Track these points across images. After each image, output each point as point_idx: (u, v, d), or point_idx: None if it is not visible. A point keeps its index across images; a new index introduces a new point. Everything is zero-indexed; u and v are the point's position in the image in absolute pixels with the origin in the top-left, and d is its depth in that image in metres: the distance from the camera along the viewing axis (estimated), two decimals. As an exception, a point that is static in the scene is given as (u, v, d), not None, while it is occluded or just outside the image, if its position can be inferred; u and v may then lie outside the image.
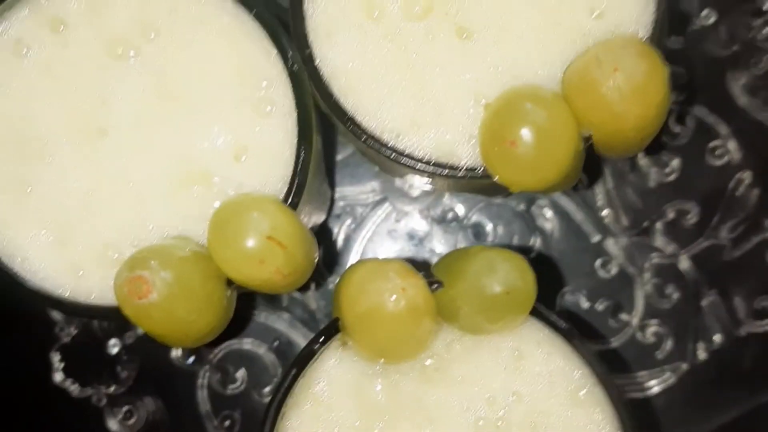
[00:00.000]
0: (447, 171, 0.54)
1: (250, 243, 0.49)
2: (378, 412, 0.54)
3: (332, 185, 0.75)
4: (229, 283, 0.53)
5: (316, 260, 0.54)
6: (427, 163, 0.54)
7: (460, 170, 0.54)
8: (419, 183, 0.61)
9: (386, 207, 0.76)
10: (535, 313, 0.52)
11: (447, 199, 0.76)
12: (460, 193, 0.76)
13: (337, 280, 0.54)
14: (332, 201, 0.76)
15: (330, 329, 0.53)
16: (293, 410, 0.54)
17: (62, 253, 0.55)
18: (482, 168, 0.53)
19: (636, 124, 0.50)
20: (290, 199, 0.54)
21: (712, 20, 0.77)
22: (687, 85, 0.77)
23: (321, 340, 0.53)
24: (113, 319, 0.54)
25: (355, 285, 0.49)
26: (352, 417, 0.54)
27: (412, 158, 0.54)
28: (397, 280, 0.48)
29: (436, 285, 0.51)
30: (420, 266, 0.53)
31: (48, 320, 0.72)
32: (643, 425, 0.74)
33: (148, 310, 0.48)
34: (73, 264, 0.55)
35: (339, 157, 0.76)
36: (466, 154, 0.54)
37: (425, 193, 0.76)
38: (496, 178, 0.51)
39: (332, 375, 0.54)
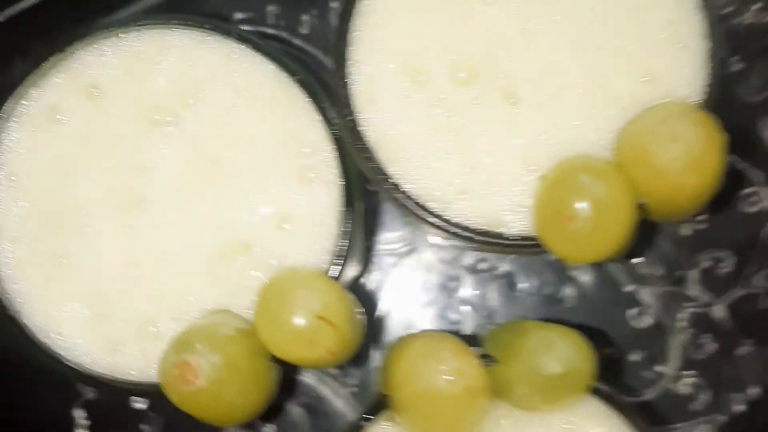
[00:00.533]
0: (496, 239, 0.52)
1: (300, 323, 0.47)
2: None
3: (368, 236, 0.73)
4: (275, 358, 0.51)
5: (363, 332, 0.52)
6: (475, 232, 0.52)
7: (510, 240, 0.52)
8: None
9: (414, 257, 0.74)
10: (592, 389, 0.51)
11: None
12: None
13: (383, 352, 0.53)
14: (369, 252, 0.74)
15: (378, 405, 0.52)
16: None
17: (99, 327, 0.54)
18: (533, 239, 0.52)
19: (692, 194, 0.49)
20: (338, 274, 0.53)
21: (741, 66, 0.77)
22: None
23: (368, 416, 0.51)
24: (155, 396, 0.52)
25: (407, 363, 0.48)
26: None
27: (461, 227, 0.53)
28: (453, 361, 0.47)
29: (488, 360, 0.50)
30: (468, 338, 0.52)
31: (70, 376, 0.67)
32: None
33: (196, 397, 0.46)
34: (109, 339, 0.54)
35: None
36: (515, 223, 0.53)
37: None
38: (548, 251, 0.50)
39: None
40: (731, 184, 0.76)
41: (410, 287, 0.74)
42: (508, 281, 0.75)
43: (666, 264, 0.75)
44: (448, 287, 0.76)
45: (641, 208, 0.51)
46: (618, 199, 0.47)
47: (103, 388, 0.54)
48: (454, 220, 0.53)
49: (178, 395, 0.47)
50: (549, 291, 0.75)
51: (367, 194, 0.70)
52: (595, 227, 0.47)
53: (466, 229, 0.53)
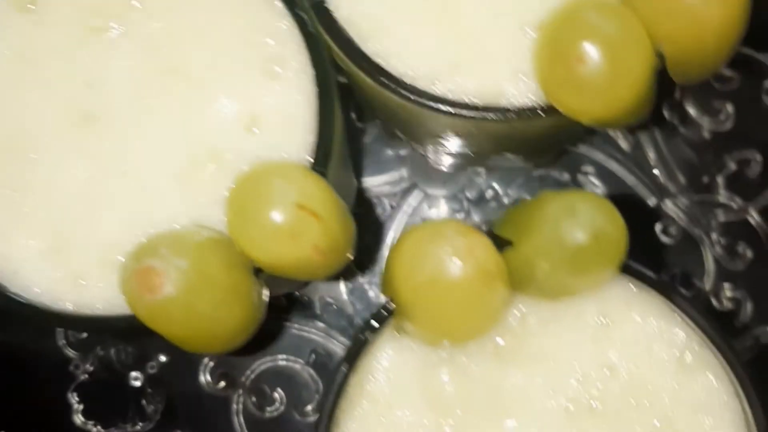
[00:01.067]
0: (498, 115, 0.46)
1: (278, 215, 0.41)
2: (448, 405, 0.47)
3: (357, 174, 0.70)
4: (257, 272, 0.45)
5: (354, 233, 0.46)
6: (474, 108, 0.46)
7: (514, 112, 0.46)
8: (456, 146, 0.54)
9: (417, 194, 0.71)
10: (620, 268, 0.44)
11: (482, 179, 0.71)
12: (493, 170, 0.70)
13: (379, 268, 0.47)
14: (358, 191, 0.71)
15: (381, 314, 0.46)
16: (348, 413, 0.47)
17: (59, 261, 0.49)
18: (541, 106, 0.46)
19: (719, 29, 0.42)
20: (318, 168, 0.47)
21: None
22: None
23: (372, 327, 0.45)
24: (125, 331, 0.47)
25: (409, 253, 0.42)
26: (418, 414, 0.47)
27: (456, 105, 0.46)
28: (460, 240, 0.40)
29: (503, 245, 0.43)
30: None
31: (62, 357, 0.68)
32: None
33: (165, 308, 0.40)
34: (72, 272, 0.49)
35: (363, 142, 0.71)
36: (517, 94, 0.47)
37: (458, 174, 0.70)
38: (560, 110, 0.43)
39: (389, 368, 0.47)
40: (750, 77, 0.71)
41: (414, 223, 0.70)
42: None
43: (689, 171, 0.71)
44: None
45: (660, 59, 0.45)
46: (634, 37, 0.41)
47: (68, 325, 0.52)
48: (449, 97, 0.47)
49: (144, 308, 0.41)
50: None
51: (357, 132, 0.65)
52: (610, 70, 0.40)
53: (464, 106, 0.47)
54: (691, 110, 0.71)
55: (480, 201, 0.71)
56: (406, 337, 0.47)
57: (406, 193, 0.71)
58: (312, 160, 0.48)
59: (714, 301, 0.70)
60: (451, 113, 0.47)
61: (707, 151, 0.70)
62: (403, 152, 0.70)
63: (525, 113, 0.46)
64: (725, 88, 0.70)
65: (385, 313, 0.46)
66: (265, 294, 0.47)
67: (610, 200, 0.70)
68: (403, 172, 0.71)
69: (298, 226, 0.41)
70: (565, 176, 0.71)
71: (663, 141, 0.71)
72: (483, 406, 0.47)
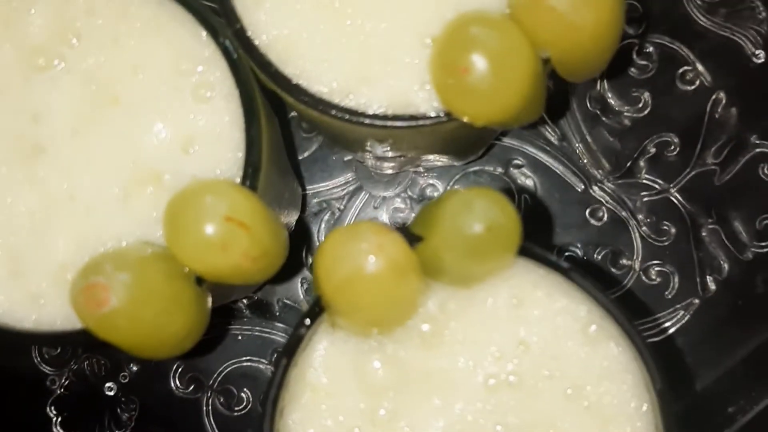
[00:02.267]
0: (406, 122, 0.50)
1: (209, 228, 0.45)
2: (382, 389, 0.51)
3: (301, 182, 0.73)
4: (199, 281, 0.49)
5: (286, 239, 0.50)
6: (384, 117, 0.50)
7: (420, 118, 0.50)
8: (382, 152, 0.58)
9: (363, 196, 0.75)
10: (525, 252, 0.49)
11: (422, 178, 0.74)
12: (432, 169, 0.74)
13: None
14: (304, 198, 0.74)
15: (314, 310, 0.50)
16: (292, 404, 0.50)
17: (17, 283, 0.52)
18: (443, 112, 0.50)
19: (593, 32, 0.47)
20: (247, 182, 0.50)
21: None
22: (643, 16, 0.76)
23: (306, 323, 0.49)
24: (83, 343, 0.50)
25: (328, 254, 0.46)
26: (355, 399, 0.50)
27: (368, 116, 0.51)
28: (371, 239, 0.45)
29: (414, 240, 0.47)
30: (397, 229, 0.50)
31: (39, 374, 0.71)
32: (665, 367, 0.71)
33: (112, 319, 0.44)
34: (31, 294, 0.52)
35: (306, 153, 0.74)
36: (423, 101, 0.51)
37: (400, 174, 0.74)
38: (456, 116, 0.48)
39: (326, 359, 0.51)
40: (666, 66, 0.75)
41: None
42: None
43: (613, 157, 0.74)
44: (398, 220, 0.75)
45: (547, 65, 0.49)
46: (514, 46, 0.45)
47: (32, 343, 0.52)
48: (361, 109, 0.51)
49: (93, 321, 0.44)
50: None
51: (284, 125, 0.69)
52: (494, 77, 0.45)
53: (374, 116, 0.51)
54: (612, 100, 0.74)
55: (422, 199, 0.75)
56: (339, 330, 0.50)
57: (352, 195, 0.74)
58: (242, 174, 0.51)
59: (644, 277, 0.74)
60: (364, 123, 0.50)
61: (628, 137, 0.74)
62: (347, 158, 0.74)
63: (430, 119, 0.50)
64: (642, 76, 0.74)
65: (318, 309, 0.50)
66: (209, 300, 0.51)
67: (542, 188, 0.75)
68: (349, 176, 0.74)
69: (228, 237, 0.45)
70: (499, 170, 0.75)
71: (587, 130, 0.74)
72: (413, 387, 0.50)
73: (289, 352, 0.49)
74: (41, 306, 0.51)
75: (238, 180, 0.51)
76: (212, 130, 0.52)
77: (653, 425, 0.48)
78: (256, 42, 0.52)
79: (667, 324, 0.74)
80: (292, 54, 0.52)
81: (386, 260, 0.44)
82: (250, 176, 0.50)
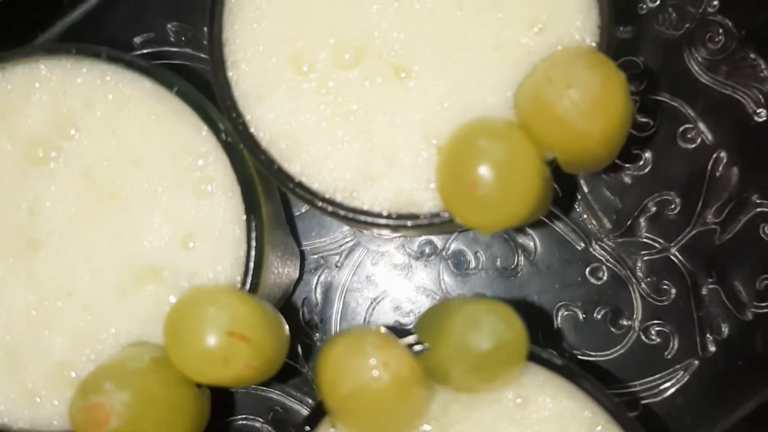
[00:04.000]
0: (410, 222, 0.50)
1: (211, 342, 0.45)
2: None
3: (297, 240, 0.72)
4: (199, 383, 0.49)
5: (287, 340, 0.50)
6: (388, 217, 0.50)
7: (424, 218, 0.50)
8: (387, 234, 0.58)
9: (360, 252, 0.73)
10: (531, 356, 0.48)
11: (420, 236, 0.73)
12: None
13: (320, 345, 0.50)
14: (302, 256, 0.73)
15: (316, 414, 0.49)
16: None
17: (13, 380, 0.51)
18: (447, 213, 0.49)
19: (600, 139, 0.46)
20: (249, 282, 0.50)
21: (658, 2, 0.76)
22: (644, 73, 0.75)
23: (307, 429, 0.48)
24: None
25: (332, 366, 0.45)
26: None
27: (371, 215, 0.50)
28: (376, 355, 0.44)
29: (420, 348, 0.47)
30: (400, 332, 0.50)
31: None
32: (665, 429, 0.71)
33: (112, 437, 0.44)
34: (27, 391, 0.51)
35: (303, 209, 0.73)
36: (427, 200, 0.51)
37: None
38: (462, 223, 0.47)
39: None
40: (667, 123, 0.74)
41: (359, 284, 0.73)
42: (456, 261, 0.74)
43: (614, 215, 0.74)
44: (397, 276, 0.74)
45: (552, 163, 0.49)
46: (520, 158, 0.45)
47: None
48: (364, 208, 0.50)
49: (93, 440, 0.44)
50: (500, 264, 0.74)
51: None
52: (500, 191, 0.44)
53: (378, 215, 0.50)
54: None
55: (421, 256, 0.75)
56: (341, 432, 0.50)
57: (350, 252, 0.73)
58: (243, 272, 0.50)
59: (643, 337, 0.74)
60: (366, 222, 0.50)
61: (629, 195, 0.73)
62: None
63: (435, 219, 0.50)
64: (643, 134, 0.74)
65: (320, 413, 0.50)
66: (208, 396, 0.50)
67: (542, 246, 0.74)
68: (346, 230, 0.73)
69: (230, 351, 0.45)
70: (500, 230, 0.75)
71: (588, 188, 0.74)
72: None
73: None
74: (37, 405, 0.51)
75: (239, 278, 0.50)
76: (213, 225, 0.51)
77: None
78: (259, 138, 0.51)
79: (667, 384, 0.74)
80: (295, 151, 0.51)
81: (392, 377, 0.44)
82: (252, 275, 0.50)
